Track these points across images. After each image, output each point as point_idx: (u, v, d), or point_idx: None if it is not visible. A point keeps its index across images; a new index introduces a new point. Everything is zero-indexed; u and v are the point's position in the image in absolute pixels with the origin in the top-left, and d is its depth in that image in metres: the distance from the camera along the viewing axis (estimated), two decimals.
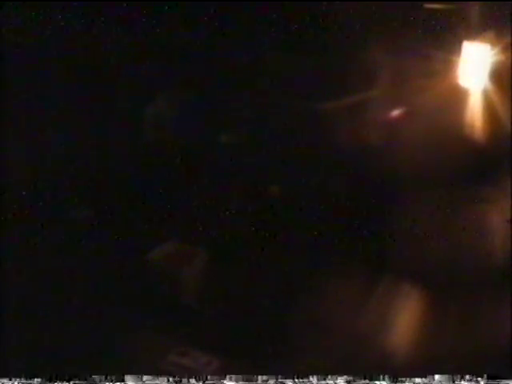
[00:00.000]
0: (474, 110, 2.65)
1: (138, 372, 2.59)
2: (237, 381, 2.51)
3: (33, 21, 2.60)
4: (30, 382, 2.54)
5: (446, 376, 2.53)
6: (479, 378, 2.51)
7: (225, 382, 2.51)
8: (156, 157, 2.74)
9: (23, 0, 2.59)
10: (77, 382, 2.54)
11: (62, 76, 2.65)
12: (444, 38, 2.62)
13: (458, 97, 2.67)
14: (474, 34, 2.61)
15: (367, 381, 2.53)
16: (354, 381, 2.52)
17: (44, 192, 2.68)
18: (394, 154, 2.72)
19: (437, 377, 2.54)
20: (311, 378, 2.53)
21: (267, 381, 2.52)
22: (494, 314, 2.67)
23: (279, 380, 2.52)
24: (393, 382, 2.52)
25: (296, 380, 2.52)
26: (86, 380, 2.55)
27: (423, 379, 2.53)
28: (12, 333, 2.62)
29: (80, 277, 2.70)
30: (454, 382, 2.53)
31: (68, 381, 2.54)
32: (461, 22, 2.61)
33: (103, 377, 2.56)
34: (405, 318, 2.72)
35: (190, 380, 2.52)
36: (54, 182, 2.70)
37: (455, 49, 2.63)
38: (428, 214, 2.71)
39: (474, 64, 2.62)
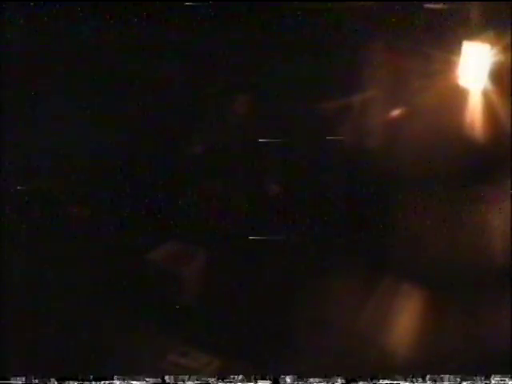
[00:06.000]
0: (474, 110, 2.66)
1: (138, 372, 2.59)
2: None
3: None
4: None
5: None
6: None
7: None
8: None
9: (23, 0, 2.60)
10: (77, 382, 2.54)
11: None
12: (444, 37, 2.62)
13: (457, 97, 2.67)
14: (474, 33, 2.61)
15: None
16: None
17: (43, 191, 2.70)
18: (394, 153, 2.72)
19: None
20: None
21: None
22: (493, 313, 2.67)
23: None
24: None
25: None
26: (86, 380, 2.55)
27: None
28: (11, 333, 2.62)
29: (79, 276, 2.71)
30: None
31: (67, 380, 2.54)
32: (461, 22, 2.61)
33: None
34: (404, 318, 2.72)
35: None
36: (53, 180, 2.71)
37: (455, 49, 2.64)
38: (428, 213, 2.72)
39: (473, 64, 2.63)
